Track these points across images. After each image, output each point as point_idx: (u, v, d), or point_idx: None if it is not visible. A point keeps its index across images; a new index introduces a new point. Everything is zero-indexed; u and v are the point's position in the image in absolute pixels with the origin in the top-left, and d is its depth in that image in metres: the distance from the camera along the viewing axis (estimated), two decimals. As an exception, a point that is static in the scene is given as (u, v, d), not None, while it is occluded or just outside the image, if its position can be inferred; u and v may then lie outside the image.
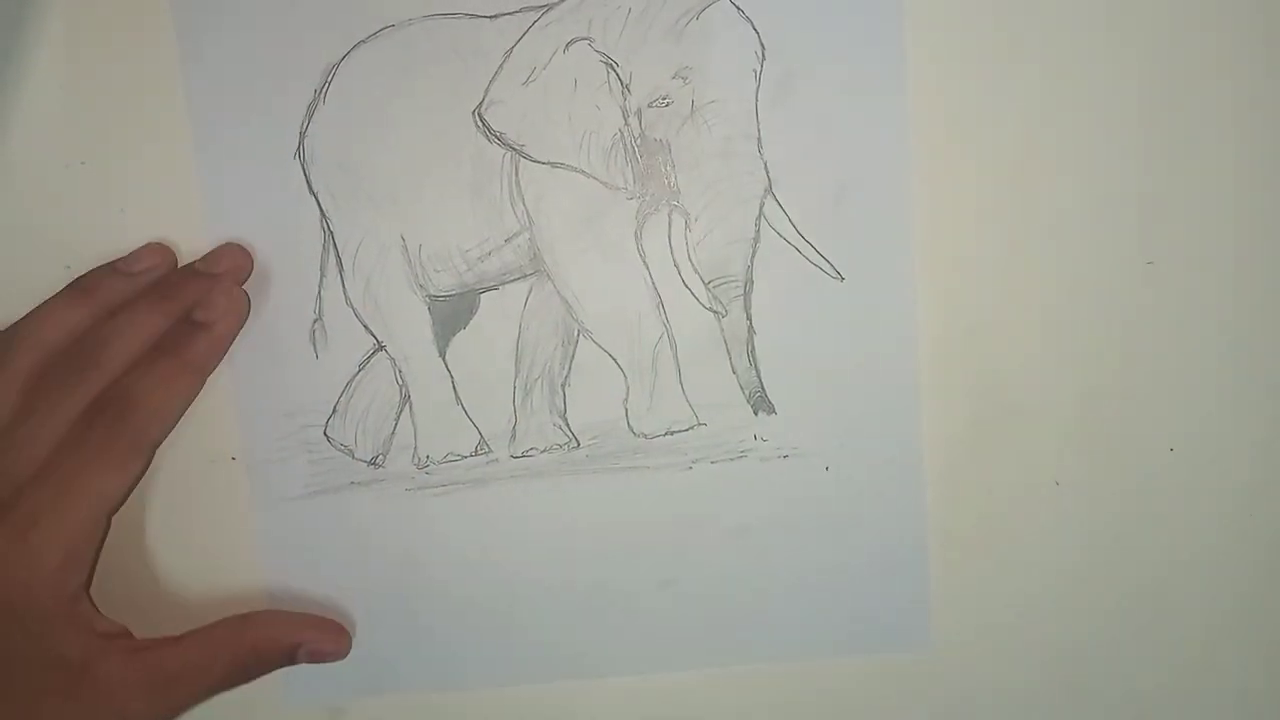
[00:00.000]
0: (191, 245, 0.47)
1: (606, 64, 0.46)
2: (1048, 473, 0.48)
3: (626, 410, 0.48)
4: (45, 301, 0.45)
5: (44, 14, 0.45)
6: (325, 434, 0.48)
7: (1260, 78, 0.45)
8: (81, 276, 0.46)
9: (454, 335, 0.48)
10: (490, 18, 0.45)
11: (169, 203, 0.47)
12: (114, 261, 0.46)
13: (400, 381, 0.48)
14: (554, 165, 0.46)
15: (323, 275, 0.47)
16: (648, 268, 0.47)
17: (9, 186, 0.46)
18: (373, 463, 0.49)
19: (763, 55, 0.45)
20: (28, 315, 0.45)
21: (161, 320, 0.44)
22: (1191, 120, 0.46)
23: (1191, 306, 0.47)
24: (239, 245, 0.46)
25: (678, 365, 0.48)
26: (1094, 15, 0.45)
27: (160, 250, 0.46)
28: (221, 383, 0.48)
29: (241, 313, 0.46)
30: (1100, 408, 0.48)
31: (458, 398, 0.48)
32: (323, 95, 0.46)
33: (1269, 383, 0.48)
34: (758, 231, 0.47)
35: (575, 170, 0.46)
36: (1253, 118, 0.46)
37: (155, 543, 0.50)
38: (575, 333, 0.48)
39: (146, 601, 0.50)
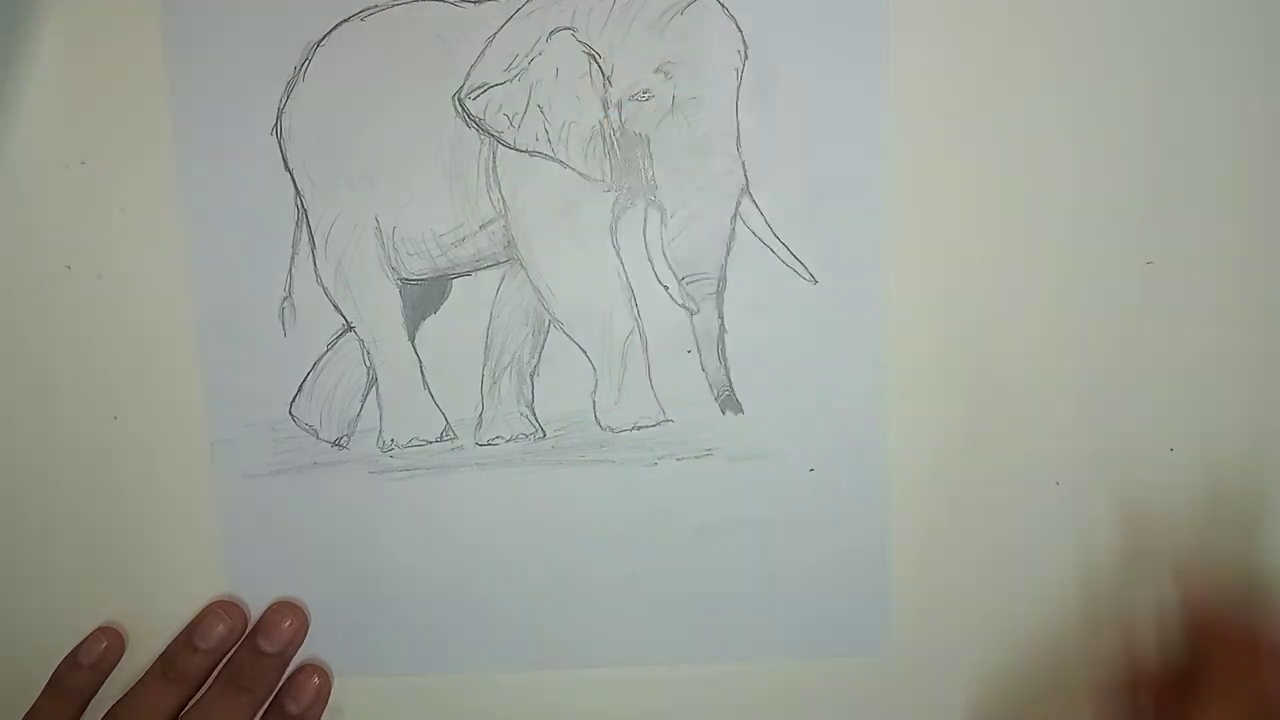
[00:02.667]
0: (188, 242, 0.47)
1: (589, 55, 0.45)
2: (1048, 473, 0.48)
3: (594, 403, 0.48)
4: (138, 685, 0.48)
5: (43, 15, 0.45)
6: (290, 413, 0.48)
7: (1260, 78, 0.45)
8: (164, 655, 0.49)
9: (424, 319, 0.48)
10: (474, 2, 0.45)
11: (169, 203, 0.47)
12: (189, 634, 0.49)
13: (368, 363, 0.48)
14: (531, 154, 0.46)
15: (294, 253, 0.47)
16: (621, 261, 0.47)
17: (9, 186, 0.46)
18: (337, 444, 0.48)
19: (745, 54, 0.45)
20: (124, 701, 0.48)
21: (244, 714, 0.48)
22: (1191, 121, 0.46)
23: (1191, 306, 0.47)
24: (293, 606, 0.49)
25: (647, 360, 0.48)
26: (1091, 15, 0.45)
27: (227, 613, 0.49)
28: (188, 358, 0.48)
29: (304, 634, 0.50)
30: (1100, 408, 0.48)
31: (425, 382, 0.48)
32: (303, 73, 0.45)
33: (1269, 383, 0.48)
34: (733, 230, 0.47)
35: (553, 160, 0.46)
36: (1252, 118, 0.46)
37: (119, 514, 0.49)
38: (546, 323, 0.48)
39: (108, 572, 0.50)
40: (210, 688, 0.49)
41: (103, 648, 0.49)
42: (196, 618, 0.49)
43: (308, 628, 0.50)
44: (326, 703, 0.50)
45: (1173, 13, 0.45)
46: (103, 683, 0.49)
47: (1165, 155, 0.46)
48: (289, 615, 0.49)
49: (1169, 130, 0.46)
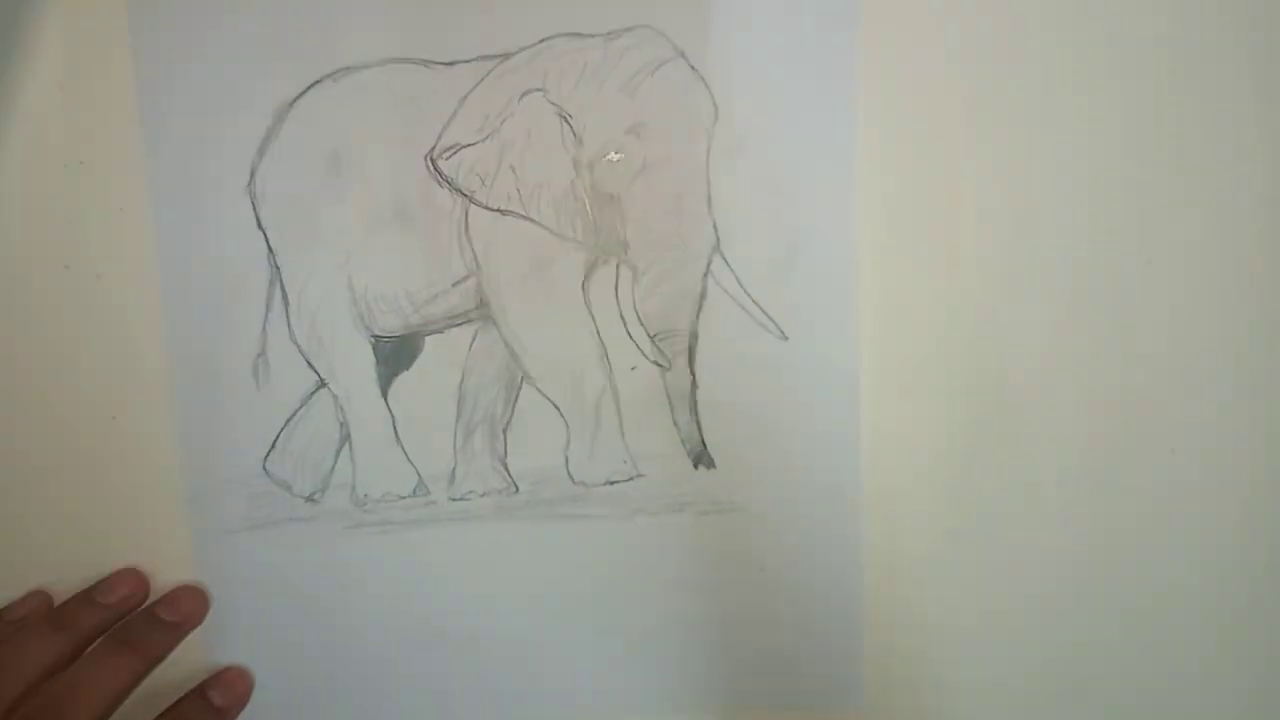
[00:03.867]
0: (160, 296, 0.47)
1: (560, 116, 0.46)
2: (1048, 473, 0.48)
3: (567, 458, 0.48)
4: (23, 631, 0.46)
5: (43, 15, 0.45)
6: (264, 468, 0.48)
7: (1260, 77, 0.45)
8: (61, 607, 0.47)
9: (397, 375, 0.48)
10: (447, 64, 0.45)
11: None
12: (91, 590, 0.48)
13: (341, 419, 0.48)
14: (504, 212, 0.47)
15: (268, 309, 0.47)
16: (594, 318, 0.48)
17: (9, 186, 0.46)
18: (311, 499, 0.49)
19: (716, 115, 0.46)
20: (6, 645, 0.46)
21: (128, 676, 0.46)
22: (1192, 120, 0.46)
23: (1191, 306, 0.47)
24: (198, 590, 0.49)
25: (620, 416, 0.48)
26: (1086, 18, 0.45)
27: (133, 579, 0.48)
28: (162, 410, 0.48)
29: (203, 615, 0.49)
30: (1100, 408, 0.47)
31: (398, 438, 0.48)
32: (276, 132, 0.46)
33: (1269, 383, 0.47)
34: (704, 288, 0.47)
35: (525, 218, 0.47)
36: (1252, 117, 0.46)
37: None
38: (519, 379, 0.48)
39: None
40: (97, 645, 0.47)
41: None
42: (102, 580, 0.48)
43: (207, 610, 0.49)
44: (246, 703, 0.49)
45: (1171, 12, 0.45)
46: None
47: (1165, 155, 0.46)
48: (194, 594, 0.48)
49: (1169, 130, 0.46)
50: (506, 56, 0.45)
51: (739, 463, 0.48)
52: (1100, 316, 0.47)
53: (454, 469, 0.49)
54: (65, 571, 0.49)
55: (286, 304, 0.47)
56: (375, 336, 0.48)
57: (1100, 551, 0.49)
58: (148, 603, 0.48)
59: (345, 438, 0.48)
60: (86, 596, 0.47)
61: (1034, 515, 0.49)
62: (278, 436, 0.48)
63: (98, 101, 0.46)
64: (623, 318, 0.47)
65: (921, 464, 0.48)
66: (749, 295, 0.47)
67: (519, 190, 0.46)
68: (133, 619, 0.48)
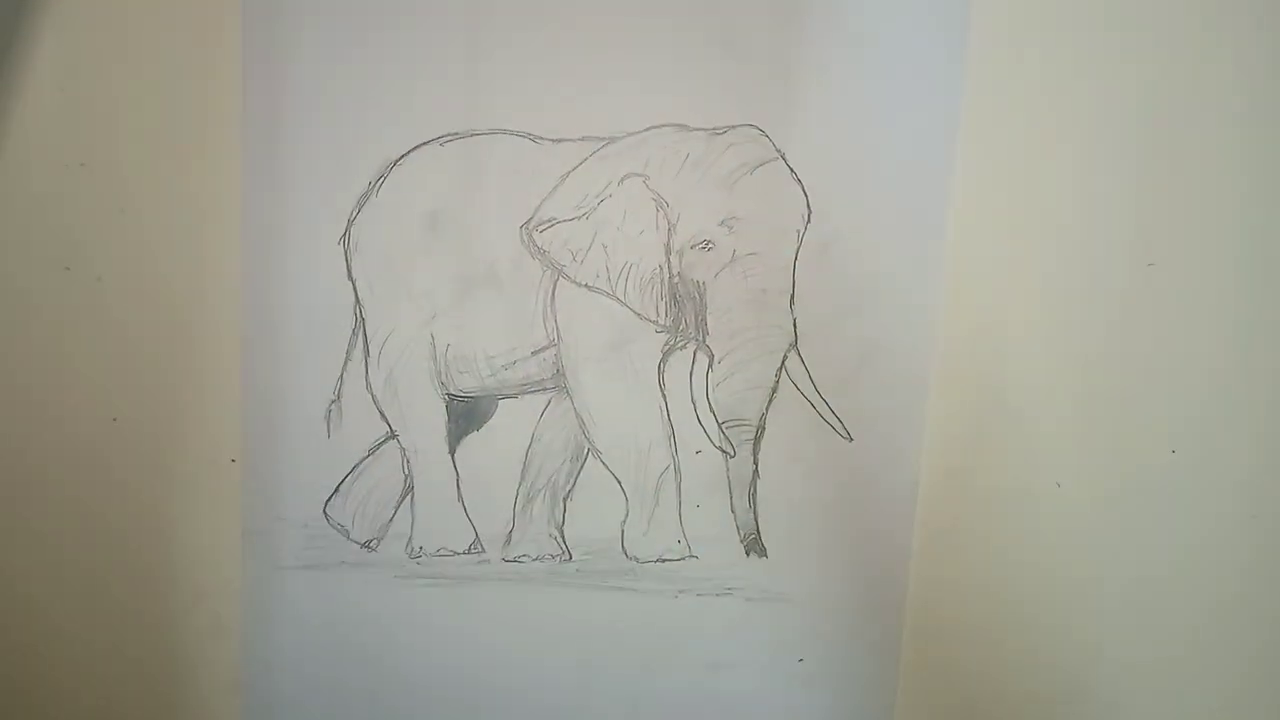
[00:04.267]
0: (242, 338, 0.47)
1: (657, 201, 0.47)
2: (1049, 474, 0.48)
3: (623, 532, 0.49)
4: None
5: (44, 14, 0.45)
6: (324, 511, 0.49)
7: (1260, 81, 0.46)
8: None
9: (466, 435, 0.49)
10: (554, 141, 0.46)
11: (167, 204, 0.47)
12: None
13: (406, 472, 0.49)
14: (591, 289, 0.47)
15: (347, 359, 0.48)
16: (665, 399, 0.48)
17: (9, 187, 0.47)
18: (366, 546, 0.49)
19: (808, 218, 0.46)
20: None
21: None
22: (1192, 122, 0.46)
23: (1191, 307, 0.47)
24: None
25: (679, 497, 0.49)
26: (1088, 21, 0.46)
27: None
28: (229, 445, 0.48)
29: None
30: (1100, 408, 0.48)
31: (460, 495, 0.49)
32: (376, 188, 0.46)
33: (1269, 383, 0.48)
34: (777, 382, 0.48)
35: (610, 296, 0.48)
36: (1252, 120, 0.46)
37: (144, 583, 0.50)
38: (585, 450, 0.49)
39: (122, 651, 0.50)
40: None
41: None
42: None
43: None
44: None
45: (1172, 14, 0.45)
46: None
47: (1165, 155, 0.46)
48: None
49: (1169, 130, 0.46)
50: (612, 140, 0.46)
51: (790, 554, 0.49)
52: (1100, 317, 0.47)
53: (510, 531, 0.49)
54: (119, 577, 0.50)
55: (367, 355, 0.48)
56: (450, 395, 0.49)
57: (1099, 551, 0.49)
58: None
59: (408, 490, 0.49)
60: None
61: (1034, 515, 0.49)
62: (341, 482, 0.49)
63: (99, 100, 0.46)
64: (694, 402, 0.48)
65: (968, 567, 0.49)
66: (820, 394, 0.48)
67: (608, 269, 0.47)
68: None
